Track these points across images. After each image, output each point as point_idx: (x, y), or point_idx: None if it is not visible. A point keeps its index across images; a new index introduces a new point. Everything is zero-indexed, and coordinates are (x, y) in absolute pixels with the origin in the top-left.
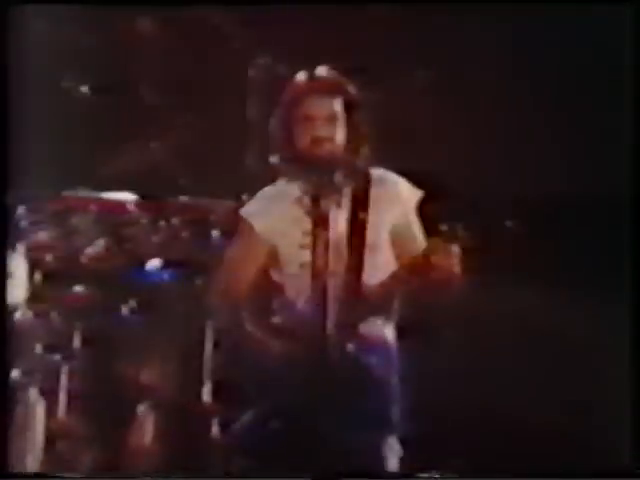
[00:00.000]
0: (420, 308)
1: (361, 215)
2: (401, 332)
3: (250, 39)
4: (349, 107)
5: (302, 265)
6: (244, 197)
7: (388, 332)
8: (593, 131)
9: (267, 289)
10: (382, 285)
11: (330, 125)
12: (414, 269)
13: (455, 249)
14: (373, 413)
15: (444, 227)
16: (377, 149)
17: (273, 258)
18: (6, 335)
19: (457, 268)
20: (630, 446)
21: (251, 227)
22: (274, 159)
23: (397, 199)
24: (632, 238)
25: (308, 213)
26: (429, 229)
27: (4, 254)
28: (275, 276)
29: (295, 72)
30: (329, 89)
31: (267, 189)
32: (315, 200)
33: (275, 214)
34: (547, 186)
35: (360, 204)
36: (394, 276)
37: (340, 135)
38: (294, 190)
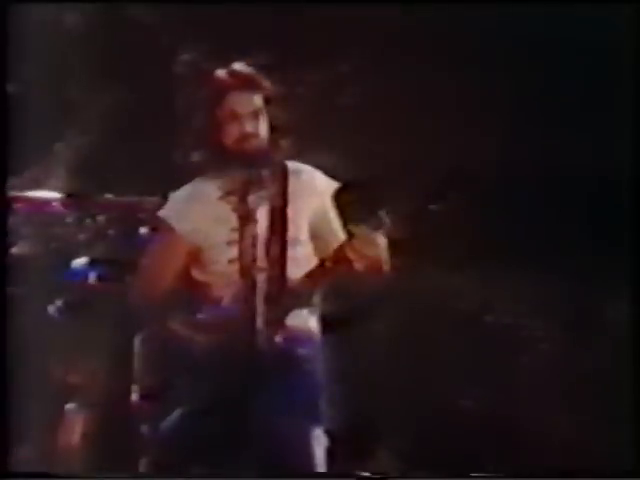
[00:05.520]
0: (344, 299)
1: (281, 209)
2: (326, 323)
3: (175, 35)
4: (267, 102)
5: (230, 261)
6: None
7: (313, 324)
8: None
9: (190, 288)
10: (305, 277)
11: (255, 120)
12: (339, 259)
13: (380, 237)
14: (301, 405)
15: (368, 215)
16: (297, 142)
17: (195, 257)
18: None
19: (384, 255)
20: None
21: (171, 229)
22: (199, 156)
23: (313, 191)
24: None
25: (235, 210)
26: (352, 218)
27: None
28: (198, 275)
29: (218, 67)
30: (249, 85)
31: (184, 189)
32: (241, 196)
33: (197, 214)
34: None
35: (280, 198)
36: (317, 268)
37: (264, 130)
38: (213, 188)
